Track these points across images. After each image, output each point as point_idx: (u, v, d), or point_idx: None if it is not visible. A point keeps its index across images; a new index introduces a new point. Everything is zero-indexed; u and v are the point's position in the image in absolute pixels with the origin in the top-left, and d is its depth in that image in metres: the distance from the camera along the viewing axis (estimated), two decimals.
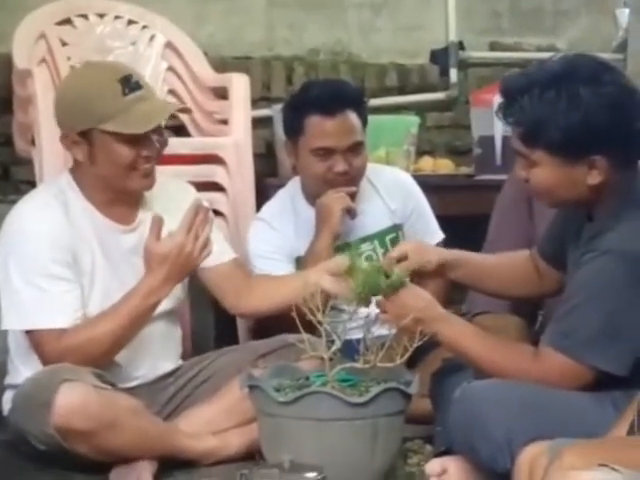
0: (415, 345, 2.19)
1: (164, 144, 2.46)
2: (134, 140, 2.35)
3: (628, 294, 2.00)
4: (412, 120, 3.69)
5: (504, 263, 2.45)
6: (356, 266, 2.20)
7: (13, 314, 2.34)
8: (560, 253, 2.26)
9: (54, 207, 2.38)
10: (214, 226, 2.43)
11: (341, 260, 2.33)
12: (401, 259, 2.30)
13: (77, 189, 2.43)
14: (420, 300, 2.22)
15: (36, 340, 2.33)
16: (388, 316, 2.23)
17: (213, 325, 3.32)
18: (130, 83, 2.36)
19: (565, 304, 2.09)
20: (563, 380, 2.05)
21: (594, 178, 2.04)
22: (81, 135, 2.36)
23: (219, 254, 2.51)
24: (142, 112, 2.34)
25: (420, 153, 3.78)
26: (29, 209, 2.40)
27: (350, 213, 2.81)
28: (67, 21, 3.33)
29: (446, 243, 2.92)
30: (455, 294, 2.82)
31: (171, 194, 2.52)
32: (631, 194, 2.08)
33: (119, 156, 2.36)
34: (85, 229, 2.40)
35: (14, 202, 2.47)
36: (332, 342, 2.22)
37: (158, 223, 2.33)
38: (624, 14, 4.14)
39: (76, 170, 2.45)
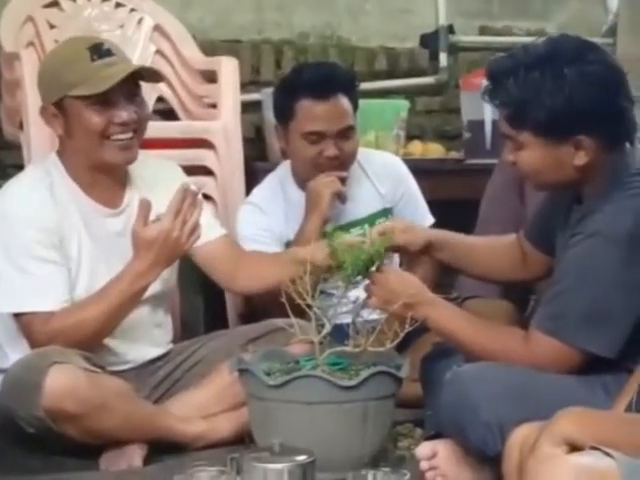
0: (406, 330, 2.19)
1: (143, 115, 2.42)
2: (103, 104, 2.34)
3: (616, 275, 2.00)
4: (402, 104, 3.68)
5: (491, 246, 2.45)
6: (337, 244, 2.19)
7: (0, 297, 2.32)
8: (548, 237, 2.26)
9: (40, 190, 2.37)
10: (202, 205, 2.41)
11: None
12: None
13: (63, 171, 2.42)
14: (409, 285, 2.22)
15: (24, 323, 2.32)
16: (376, 301, 2.23)
17: (203, 310, 3.32)
18: (100, 50, 2.35)
19: (553, 287, 2.09)
20: (553, 363, 2.05)
21: (581, 159, 2.04)
22: (57, 107, 2.36)
23: (208, 231, 2.48)
24: (108, 74, 2.33)
25: (410, 137, 3.77)
26: (14, 192, 2.39)
27: (340, 197, 2.80)
28: (54, 4, 3.32)
29: (436, 227, 2.91)
30: (444, 279, 2.82)
31: (158, 175, 2.51)
32: (618, 175, 2.07)
33: (90, 122, 2.34)
34: (71, 212, 2.39)
35: (1, 187, 2.46)
36: (322, 326, 2.22)
37: (146, 207, 2.32)
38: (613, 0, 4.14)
39: (61, 150, 2.44)
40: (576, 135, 2.02)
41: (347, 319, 2.30)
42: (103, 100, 2.33)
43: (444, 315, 2.18)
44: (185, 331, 2.93)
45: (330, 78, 2.80)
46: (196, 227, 2.35)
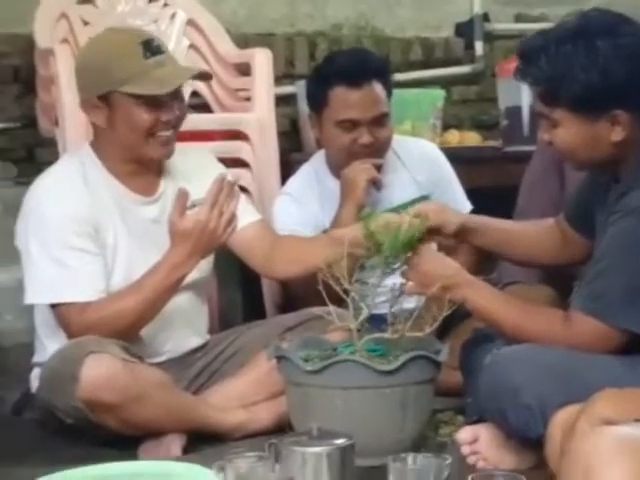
0: (444, 314, 2.16)
1: (184, 112, 2.44)
2: (154, 103, 2.34)
3: None
4: (437, 94, 3.64)
5: (529, 230, 2.41)
6: (374, 226, 2.16)
7: (36, 288, 2.33)
8: (587, 219, 2.22)
9: (74, 179, 2.37)
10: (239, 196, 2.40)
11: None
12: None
13: (97, 161, 2.42)
14: (446, 267, 2.19)
15: (60, 314, 2.32)
16: (414, 285, 2.20)
17: (240, 301, 3.31)
18: (151, 47, 2.34)
19: (594, 267, 2.06)
20: (594, 344, 2.02)
21: (617, 134, 2.01)
22: (101, 99, 2.35)
23: (243, 217, 2.47)
24: (162, 75, 2.33)
25: (446, 127, 3.73)
26: (48, 182, 2.39)
27: (376, 184, 2.78)
28: (88, 0, 3.32)
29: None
30: (484, 264, 2.79)
31: (192, 163, 2.51)
32: None
33: (138, 119, 2.34)
34: (106, 201, 2.39)
35: None
36: (360, 312, 2.20)
37: (183, 197, 2.31)
38: None
39: (96, 141, 2.44)
40: (612, 110, 1.99)
41: (385, 309, 2.27)
42: (154, 99, 2.33)
43: (483, 296, 2.14)
44: (223, 322, 2.93)
45: (363, 65, 2.78)
46: (233, 218, 2.35)
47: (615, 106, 1.98)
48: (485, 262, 2.76)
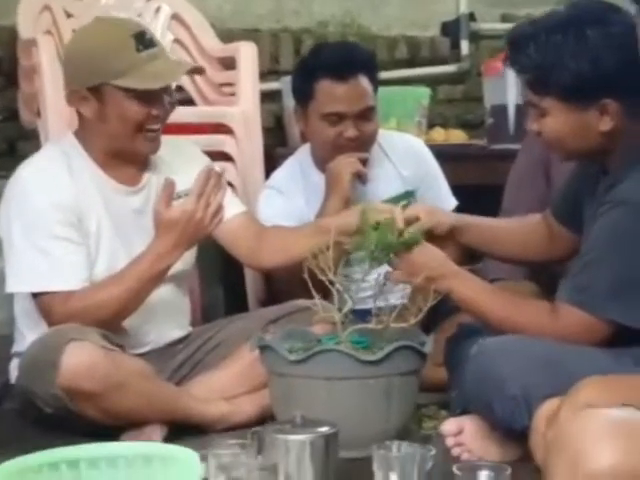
0: (429, 305, 2.15)
1: (173, 106, 2.42)
2: (146, 97, 2.31)
3: None
4: (423, 91, 3.63)
5: (515, 227, 2.41)
6: (368, 223, 2.15)
7: (18, 277, 2.30)
8: (574, 213, 2.21)
9: (56, 168, 2.34)
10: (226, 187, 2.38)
11: (354, 215, 2.27)
12: (412, 221, 2.25)
13: (82, 150, 2.39)
14: (433, 258, 2.18)
15: (42, 303, 2.29)
16: (400, 274, 2.18)
17: (223, 297, 3.28)
18: (144, 40, 2.32)
19: (581, 258, 2.05)
20: (580, 335, 2.00)
21: (606, 124, 2.00)
22: (91, 91, 2.32)
23: (228, 209, 2.45)
24: (156, 69, 2.31)
25: (431, 126, 3.72)
26: (31, 170, 2.36)
27: (361, 178, 2.76)
28: None
29: (460, 212, 2.87)
30: (472, 257, 2.77)
31: (177, 154, 2.49)
32: None
33: (129, 112, 2.31)
34: (90, 190, 2.36)
35: None
36: (344, 304, 2.18)
37: (170, 187, 2.29)
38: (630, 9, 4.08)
39: (81, 131, 2.41)
40: (601, 99, 1.98)
41: (370, 304, 2.26)
42: (146, 93, 2.31)
43: (469, 287, 2.13)
44: (205, 318, 2.90)
45: (350, 58, 2.76)
46: (219, 209, 2.32)
47: (604, 95, 1.98)
48: (471, 255, 2.75)
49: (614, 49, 1.95)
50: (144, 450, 1.43)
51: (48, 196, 2.30)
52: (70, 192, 2.32)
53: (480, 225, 2.38)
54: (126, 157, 2.40)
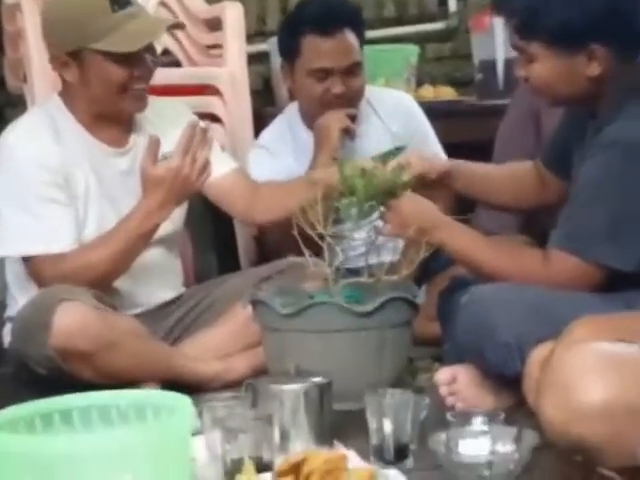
0: (421, 257, 2.14)
1: (156, 64, 2.40)
2: (127, 59, 2.29)
3: (635, 186, 1.94)
4: (411, 49, 3.61)
5: (507, 173, 2.40)
6: (355, 169, 2.13)
7: (6, 241, 2.29)
8: (564, 160, 2.20)
9: (43, 130, 2.33)
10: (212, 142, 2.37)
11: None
12: (404, 167, 2.24)
13: (67, 112, 2.37)
14: (423, 209, 2.17)
15: (32, 266, 2.29)
16: (391, 227, 2.18)
17: (215, 261, 3.27)
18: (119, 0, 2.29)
19: (571, 202, 2.04)
20: (573, 281, 2.00)
21: (594, 69, 1.99)
22: (71, 56, 2.30)
23: (219, 165, 2.43)
24: (134, 30, 2.28)
25: (420, 85, 3.70)
26: (16, 134, 2.34)
27: (349, 134, 2.75)
28: None
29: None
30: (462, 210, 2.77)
31: (165, 116, 2.46)
32: (633, 87, 2.02)
33: (111, 76, 2.29)
34: (76, 152, 2.35)
35: None
36: (335, 258, 2.17)
37: (155, 145, 2.27)
38: None
39: (66, 93, 2.39)
40: (588, 44, 1.96)
41: (361, 262, 2.25)
42: (126, 55, 2.28)
43: (460, 238, 2.13)
44: (199, 280, 2.89)
45: (335, 13, 2.75)
46: (206, 165, 2.31)
47: (592, 40, 1.97)
48: (462, 207, 2.74)
49: None
50: (136, 398, 1.43)
51: (34, 159, 2.28)
52: (56, 154, 2.31)
53: (472, 171, 2.36)
54: (112, 118, 2.39)
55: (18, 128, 2.37)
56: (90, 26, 2.26)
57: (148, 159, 2.27)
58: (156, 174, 2.26)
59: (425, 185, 2.27)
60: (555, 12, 1.95)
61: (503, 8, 2.03)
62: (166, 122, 2.44)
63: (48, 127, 2.34)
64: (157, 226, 2.32)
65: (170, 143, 2.31)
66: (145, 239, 2.31)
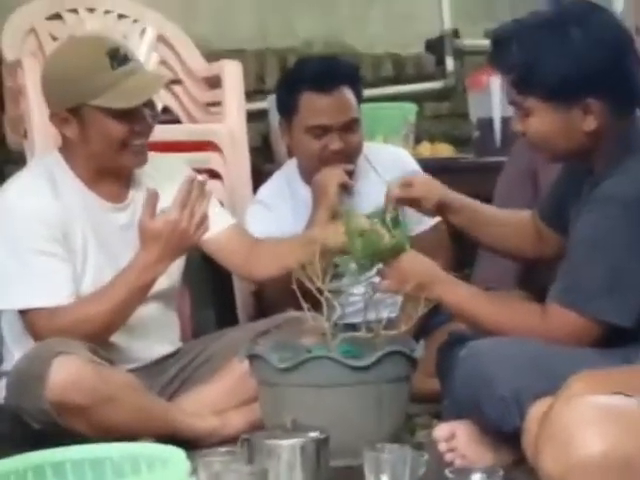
0: (420, 313, 2.14)
1: (156, 118, 2.42)
2: (126, 115, 2.31)
3: (631, 241, 1.95)
4: (409, 107, 3.64)
5: (507, 217, 2.40)
6: (354, 229, 2.14)
7: (3, 294, 2.29)
8: (561, 214, 2.21)
9: (41, 185, 2.33)
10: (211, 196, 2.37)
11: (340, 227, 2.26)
12: (406, 189, 2.27)
13: (66, 167, 2.38)
14: (421, 265, 2.17)
15: (29, 320, 2.28)
16: (389, 283, 2.17)
17: (213, 316, 3.27)
18: (118, 56, 2.31)
19: (568, 257, 2.04)
20: (571, 336, 1.99)
21: (590, 124, 2.00)
22: (71, 112, 2.31)
23: (217, 221, 2.44)
24: (132, 86, 2.30)
25: (418, 142, 3.73)
26: (15, 188, 2.35)
27: (347, 189, 2.76)
28: (57, 16, 3.29)
29: (446, 227, 2.85)
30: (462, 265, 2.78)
31: (163, 171, 2.48)
32: (629, 142, 2.03)
33: (111, 132, 2.31)
34: (75, 206, 2.35)
35: None
36: (333, 313, 2.17)
37: (153, 198, 2.28)
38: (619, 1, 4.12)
39: (66, 148, 2.40)
40: (584, 98, 1.98)
41: (359, 317, 2.25)
42: (126, 111, 2.30)
43: (458, 293, 2.12)
44: (196, 335, 2.88)
45: (333, 71, 2.78)
46: (204, 219, 2.30)
47: (587, 94, 1.98)
48: (460, 263, 2.75)
49: (597, 48, 1.96)
50: (130, 450, 1.41)
51: (33, 213, 2.29)
52: (55, 209, 2.32)
53: (473, 207, 2.36)
54: (112, 173, 2.40)
55: (17, 182, 2.38)
56: (90, 83, 2.28)
57: (146, 213, 2.28)
58: (154, 227, 2.27)
59: (422, 211, 2.28)
60: (551, 66, 1.96)
61: (500, 63, 2.05)
62: (164, 178, 2.46)
63: (47, 181, 2.35)
64: (154, 280, 2.32)
65: (168, 199, 2.31)
66: (142, 293, 2.31)
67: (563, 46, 1.96)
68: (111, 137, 2.31)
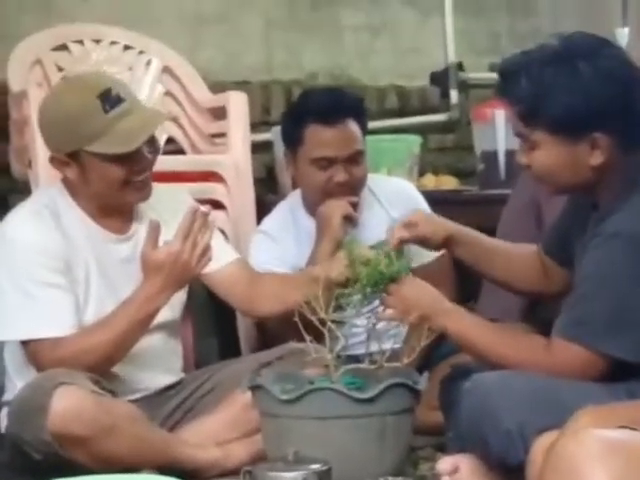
0: (423, 344, 2.13)
1: (157, 151, 2.41)
2: (124, 157, 2.30)
3: (638, 277, 1.94)
4: (414, 139, 3.65)
5: (512, 251, 2.38)
6: (358, 258, 2.14)
7: (4, 324, 2.28)
8: (566, 249, 2.20)
9: (44, 216, 2.34)
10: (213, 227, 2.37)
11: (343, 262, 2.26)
12: (411, 228, 2.25)
13: (69, 198, 2.39)
14: (426, 294, 2.16)
15: (31, 350, 2.28)
16: (393, 313, 2.16)
17: (216, 347, 3.26)
18: (110, 98, 2.29)
19: (575, 292, 2.03)
20: (576, 370, 1.98)
21: (597, 158, 1.99)
22: (69, 156, 2.31)
23: (221, 256, 2.45)
24: (128, 128, 2.28)
25: (422, 174, 3.74)
26: (18, 219, 2.36)
27: (351, 221, 2.76)
28: (63, 47, 3.31)
29: (450, 260, 2.84)
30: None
31: (166, 202, 2.48)
32: (636, 178, 2.02)
33: (110, 174, 2.31)
34: (78, 238, 2.36)
35: None
36: (337, 344, 2.16)
37: (156, 229, 2.28)
38: (623, 34, 4.13)
39: (68, 186, 2.40)
40: (592, 133, 1.97)
41: (362, 349, 2.24)
42: (124, 153, 2.30)
43: (463, 324, 2.11)
44: (198, 364, 2.87)
45: (338, 103, 2.78)
46: (207, 250, 2.30)
47: (595, 129, 1.97)
48: (464, 295, 2.74)
49: (605, 83, 1.95)
50: None
51: (35, 243, 2.29)
52: (57, 239, 2.32)
53: (479, 241, 2.35)
54: (114, 208, 2.41)
55: (19, 213, 2.39)
56: (83, 128, 2.27)
57: (148, 244, 2.27)
58: (156, 258, 2.26)
59: (428, 247, 2.29)
60: (559, 100, 1.96)
61: (508, 95, 2.04)
62: (167, 209, 2.45)
63: (50, 212, 2.35)
64: (157, 311, 2.31)
65: (171, 231, 2.31)
66: (144, 324, 2.31)
67: (572, 80, 1.95)
68: (111, 179, 2.31)
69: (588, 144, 1.99)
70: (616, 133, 1.99)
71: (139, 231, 2.43)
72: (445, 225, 2.33)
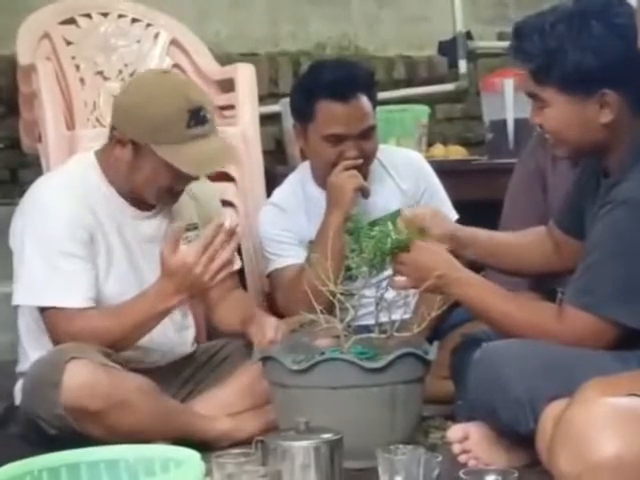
0: (434, 314, 2.14)
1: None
2: (178, 170, 2.29)
3: None
4: (422, 110, 3.64)
5: (520, 239, 2.39)
6: (363, 233, 2.14)
7: (27, 290, 2.29)
8: (578, 221, 2.20)
9: (74, 187, 2.34)
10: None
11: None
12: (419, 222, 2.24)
13: (100, 172, 2.38)
14: (438, 261, 2.14)
15: (49, 318, 2.29)
16: (407, 280, 2.16)
17: None
18: (198, 116, 2.28)
19: (585, 260, 2.03)
20: (587, 338, 1.99)
21: (606, 116, 2.00)
22: (132, 142, 2.31)
23: None
24: (198, 152, 2.28)
25: (431, 144, 3.73)
26: (49, 186, 2.36)
27: (363, 192, 2.75)
28: (71, 20, 3.31)
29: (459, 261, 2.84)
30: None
31: (193, 192, 2.48)
32: None
33: (159, 178, 2.32)
34: (104, 211, 2.36)
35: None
36: (346, 314, 2.17)
37: (177, 234, 2.26)
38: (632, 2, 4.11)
39: (103, 155, 2.39)
40: (601, 89, 1.98)
41: (371, 320, 2.25)
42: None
43: (476, 290, 2.11)
44: (210, 336, 2.89)
45: (350, 78, 2.74)
46: (226, 265, 2.26)
47: (605, 86, 1.98)
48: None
49: (617, 41, 1.97)
50: (145, 452, 1.42)
51: (62, 213, 2.30)
52: (84, 211, 2.33)
53: (485, 238, 2.36)
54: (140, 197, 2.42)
55: (52, 180, 2.40)
56: (162, 130, 2.26)
57: (168, 246, 2.25)
58: (170, 264, 2.24)
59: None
60: (570, 57, 1.97)
61: (521, 53, 2.05)
62: (192, 198, 2.48)
63: (80, 184, 2.36)
64: (169, 310, 2.31)
65: (190, 216, 2.36)
66: (156, 319, 2.30)
67: (583, 37, 1.97)
68: (157, 182, 2.33)
69: (597, 102, 2.00)
70: (626, 91, 2.00)
71: (164, 210, 2.44)
72: (448, 224, 2.34)
